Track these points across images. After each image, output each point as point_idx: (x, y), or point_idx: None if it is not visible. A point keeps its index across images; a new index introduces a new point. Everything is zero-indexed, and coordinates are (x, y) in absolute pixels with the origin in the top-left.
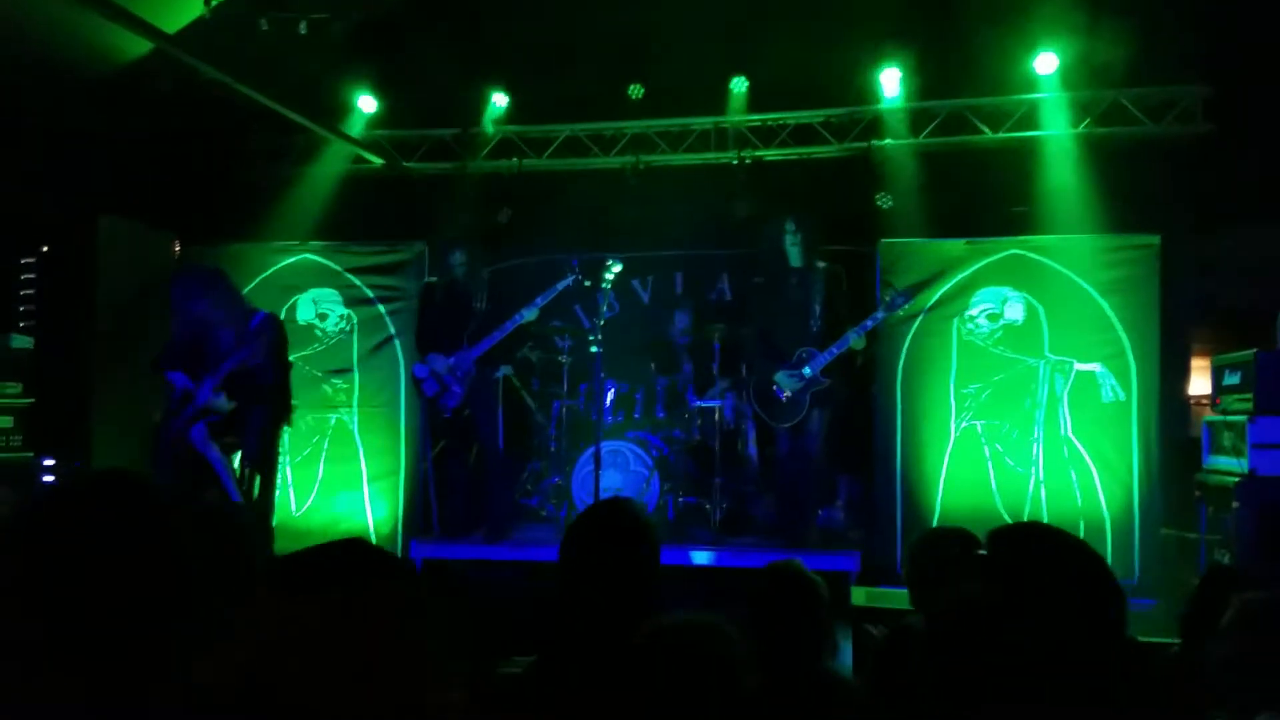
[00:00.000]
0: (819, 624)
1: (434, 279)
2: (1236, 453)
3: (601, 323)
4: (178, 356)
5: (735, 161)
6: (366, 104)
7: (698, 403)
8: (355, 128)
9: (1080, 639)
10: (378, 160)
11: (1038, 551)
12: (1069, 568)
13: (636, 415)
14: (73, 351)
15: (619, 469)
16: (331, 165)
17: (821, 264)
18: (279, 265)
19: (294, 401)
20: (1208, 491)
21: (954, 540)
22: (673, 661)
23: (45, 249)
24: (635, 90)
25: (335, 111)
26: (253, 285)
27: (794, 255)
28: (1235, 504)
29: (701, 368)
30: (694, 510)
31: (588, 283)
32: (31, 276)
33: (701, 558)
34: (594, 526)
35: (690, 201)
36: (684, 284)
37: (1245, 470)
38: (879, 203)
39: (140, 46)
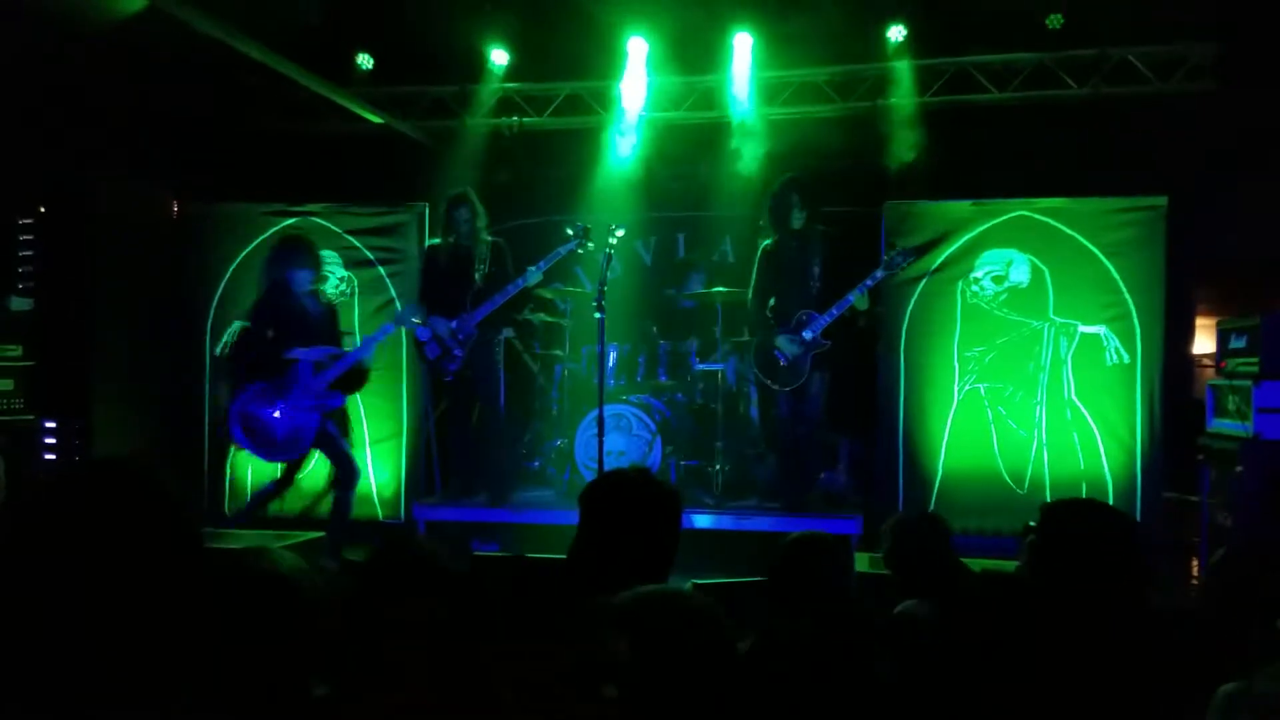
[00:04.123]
0: (845, 591)
1: (437, 241)
2: (1241, 416)
3: (605, 287)
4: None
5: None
6: (365, 60)
7: (700, 366)
8: (354, 85)
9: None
10: (377, 118)
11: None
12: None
13: (639, 378)
14: (72, 313)
15: (621, 432)
16: (331, 124)
17: (820, 227)
18: (278, 226)
19: None
20: (1211, 455)
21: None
22: (644, 631)
23: (43, 209)
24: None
25: (335, 69)
26: (251, 246)
27: (795, 218)
28: (1239, 468)
29: (704, 330)
30: (696, 473)
31: (591, 245)
32: (30, 238)
33: (703, 521)
34: (625, 495)
35: (694, 161)
36: (686, 246)
37: (1250, 434)
38: (890, 164)
39: (138, 1)
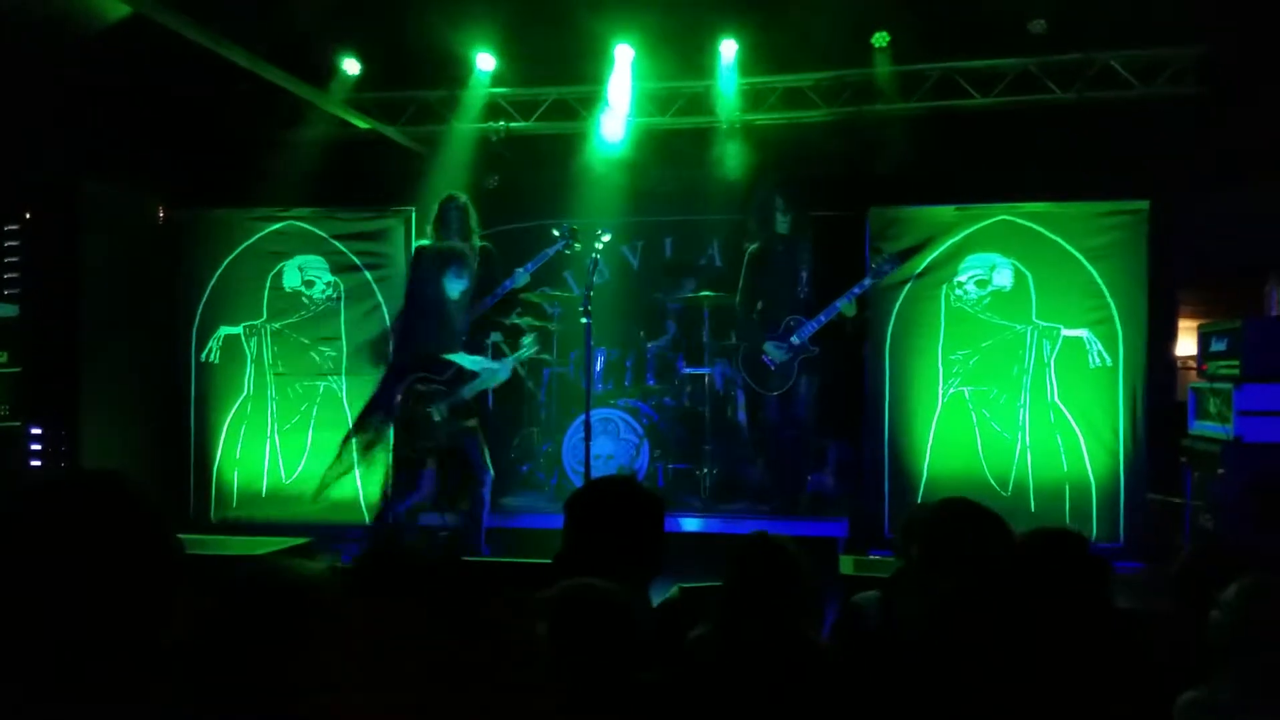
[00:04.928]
0: (794, 593)
1: (425, 243)
2: (1222, 419)
3: (591, 292)
4: None
5: (725, 126)
6: (351, 65)
7: (688, 370)
8: (340, 90)
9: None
10: (364, 123)
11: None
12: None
13: (627, 383)
14: (58, 319)
15: (610, 436)
16: (317, 129)
17: (807, 231)
18: (264, 231)
19: (281, 369)
20: (1193, 457)
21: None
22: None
23: (28, 215)
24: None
25: (320, 74)
26: (238, 251)
27: (782, 223)
28: (1220, 470)
29: (691, 335)
30: (684, 477)
31: (578, 246)
32: (15, 244)
33: (692, 524)
34: (610, 501)
35: (680, 166)
36: (674, 250)
37: (1231, 436)
38: (874, 168)
39: (123, 7)
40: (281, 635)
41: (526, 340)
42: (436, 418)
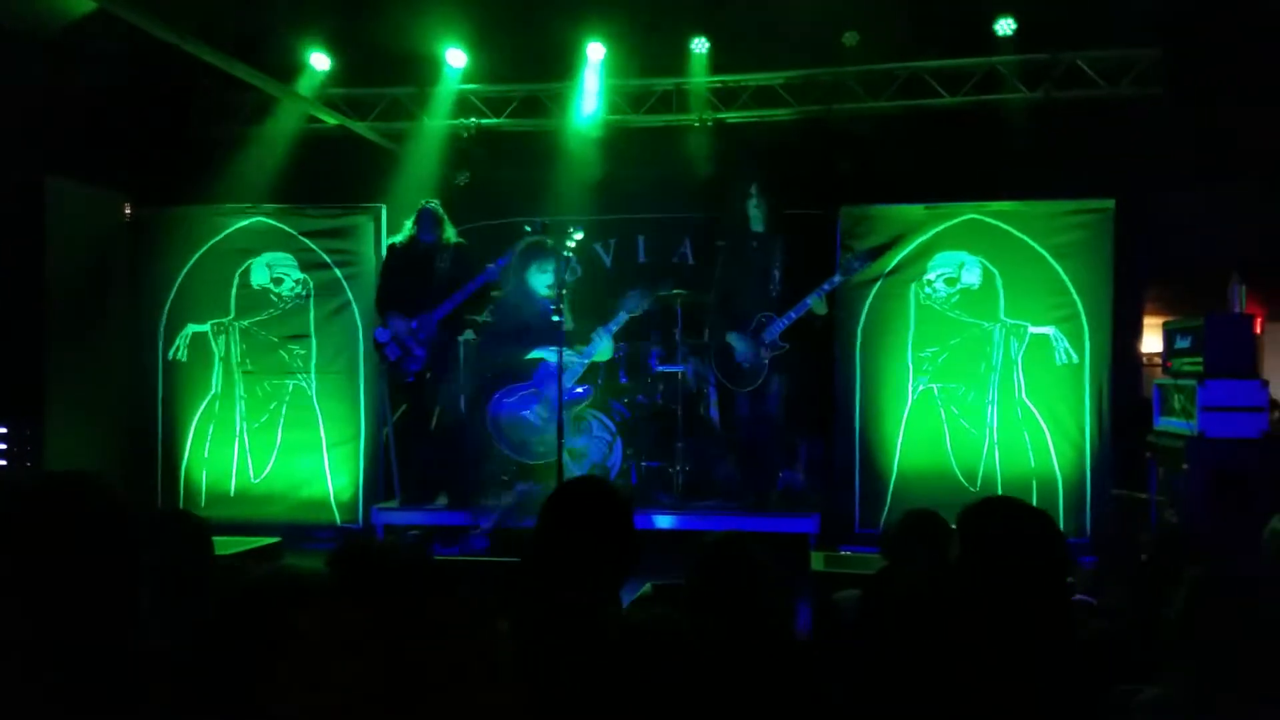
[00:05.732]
0: (760, 592)
1: (397, 240)
2: (1186, 415)
3: (563, 291)
4: None
5: (696, 124)
6: (319, 61)
7: (660, 368)
8: (308, 86)
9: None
10: (333, 119)
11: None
12: (1028, 535)
13: (599, 380)
14: (24, 317)
15: (582, 434)
16: (285, 125)
17: (780, 230)
18: (232, 228)
19: (250, 367)
20: (1158, 452)
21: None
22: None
23: None
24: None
25: (288, 70)
26: (206, 248)
27: (756, 220)
28: (1185, 465)
29: (664, 332)
30: (657, 474)
31: (550, 241)
32: None
33: (664, 522)
34: (580, 503)
35: (652, 164)
36: (646, 248)
37: (1195, 432)
38: (844, 167)
39: (88, 2)
40: (276, 636)
41: (632, 294)
42: (537, 422)
